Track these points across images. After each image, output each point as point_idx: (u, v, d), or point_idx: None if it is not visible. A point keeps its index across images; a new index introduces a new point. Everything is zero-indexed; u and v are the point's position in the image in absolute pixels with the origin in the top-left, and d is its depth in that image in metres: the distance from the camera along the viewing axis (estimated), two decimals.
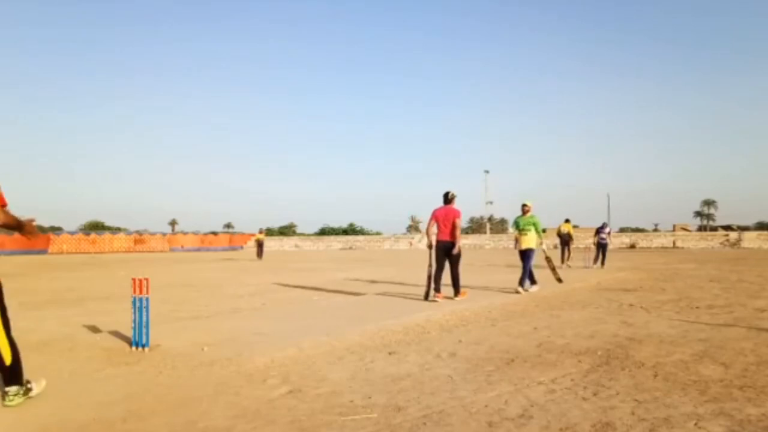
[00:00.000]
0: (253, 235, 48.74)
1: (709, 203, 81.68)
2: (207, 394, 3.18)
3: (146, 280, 4.46)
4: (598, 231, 15.64)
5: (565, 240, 16.25)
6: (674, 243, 42.66)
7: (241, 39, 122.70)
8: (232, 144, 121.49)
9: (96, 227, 62.41)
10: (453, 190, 7.61)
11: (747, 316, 6.17)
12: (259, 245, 24.87)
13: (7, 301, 3.03)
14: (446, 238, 7.43)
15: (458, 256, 7.45)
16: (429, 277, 7.37)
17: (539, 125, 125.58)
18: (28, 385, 3.04)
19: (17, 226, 3.43)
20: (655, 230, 68.71)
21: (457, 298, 7.33)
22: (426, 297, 7.30)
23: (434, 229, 7.55)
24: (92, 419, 2.74)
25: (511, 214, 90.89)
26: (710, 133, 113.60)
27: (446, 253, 7.46)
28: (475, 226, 78.31)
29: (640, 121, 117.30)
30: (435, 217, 7.55)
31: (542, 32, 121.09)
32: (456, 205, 7.65)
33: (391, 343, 4.73)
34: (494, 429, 2.58)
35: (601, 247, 15.38)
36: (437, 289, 7.32)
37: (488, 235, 53.83)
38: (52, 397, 3.13)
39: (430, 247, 7.66)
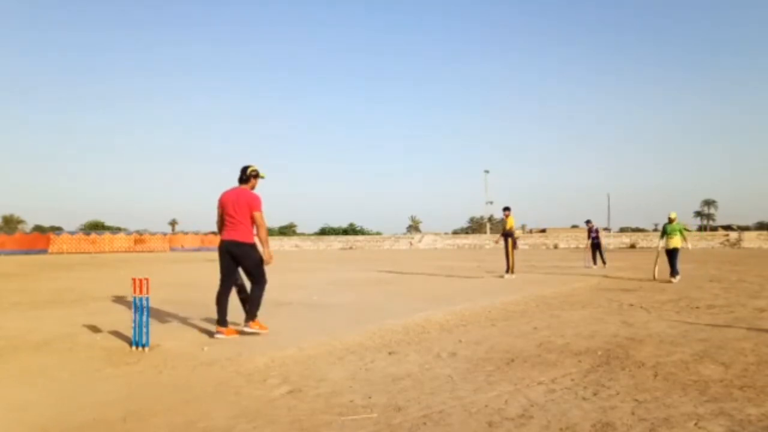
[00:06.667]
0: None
1: (709, 203, 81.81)
2: (207, 394, 3.19)
3: (146, 280, 4.46)
4: (588, 233, 15.81)
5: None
6: None
7: (241, 40, 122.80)
8: (232, 144, 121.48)
9: (96, 227, 62.25)
10: (255, 165, 5.01)
11: (747, 316, 6.17)
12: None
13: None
14: (234, 236, 4.87)
15: (258, 265, 4.90)
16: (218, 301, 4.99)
17: (539, 125, 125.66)
18: None
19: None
20: (655, 230, 68.57)
21: (247, 328, 4.89)
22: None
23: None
24: (92, 419, 2.74)
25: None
26: (710, 133, 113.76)
27: (235, 259, 4.95)
28: (476, 226, 78.38)
29: (640, 121, 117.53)
30: (222, 203, 4.94)
31: (542, 33, 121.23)
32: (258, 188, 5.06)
33: (391, 343, 4.73)
34: (494, 429, 2.58)
35: (595, 247, 15.49)
36: (220, 322, 4.90)
37: (488, 234, 53.84)
38: (53, 397, 3.13)
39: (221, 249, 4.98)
